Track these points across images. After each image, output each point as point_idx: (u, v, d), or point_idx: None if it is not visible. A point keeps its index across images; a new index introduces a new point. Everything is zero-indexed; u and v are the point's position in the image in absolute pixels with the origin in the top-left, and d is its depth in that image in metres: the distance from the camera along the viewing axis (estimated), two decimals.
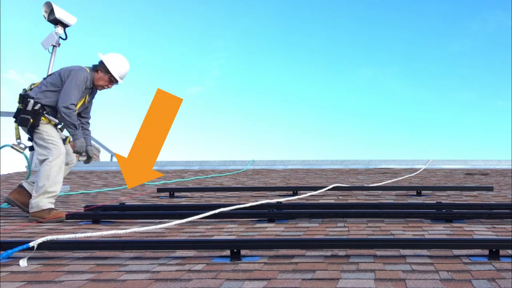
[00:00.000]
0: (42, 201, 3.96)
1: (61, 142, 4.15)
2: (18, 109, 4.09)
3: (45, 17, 7.15)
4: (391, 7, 19.64)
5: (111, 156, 10.11)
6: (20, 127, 4.19)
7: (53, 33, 7.22)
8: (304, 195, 4.99)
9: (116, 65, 4.32)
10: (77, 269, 2.41)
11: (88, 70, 4.29)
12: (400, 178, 6.62)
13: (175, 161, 8.66)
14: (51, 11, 7.03)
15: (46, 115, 4.10)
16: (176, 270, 2.35)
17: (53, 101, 4.12)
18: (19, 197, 4.16)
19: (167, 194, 5.38)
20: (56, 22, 7.12)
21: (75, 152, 4.27)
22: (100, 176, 7.51)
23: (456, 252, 2.58)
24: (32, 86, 4.22)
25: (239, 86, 20.75)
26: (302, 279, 2.15)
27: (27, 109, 4.03)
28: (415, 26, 20.00)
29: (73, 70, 4.20)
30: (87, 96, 4.37)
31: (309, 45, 20.49)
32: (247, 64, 20.65)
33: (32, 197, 4.00)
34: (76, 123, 4.17)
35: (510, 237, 3.02)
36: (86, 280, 2.22)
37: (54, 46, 7.35)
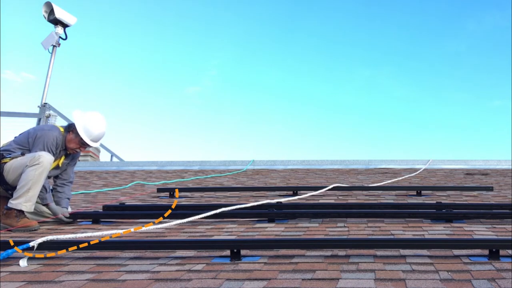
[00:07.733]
0: (21, 204, 3.54)
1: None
2: None
3: (45, 17, 7.16)
4: (388, 7, 19.65)
5: (111, 156, 10.13)
6: None
7: (53, 33, 7.23)
8: (304, 195, 4.99)
9: (88, 127, 3.83)
10: (77, 269, 2.41)
11: (61, 130, 3.88)
12: (400, 178, 6.61)
13: (175, 161, 8.64)
14: (51, 11, 7.03)
15: (7, 156, 3.66)
16: (176, 270, 2.35)
17: None
18: None
19: (167, 194, 5.38)
20: (56, 22, 7.12)
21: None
22: (100, 176, 7.51)
23: (456, 252, 2.58)
24: None
25: (237, 86, 20.80)
26: (302, 279, 2.15)
27: None
28: (412, 26, 20.04)
29: (42, 130, 3.83)
30: (63, 158, 3.93)
31: (307, 45, 20.52)
32: (244, 64, 20.70)
33: (12, 199, 3.59)
34: (47, 186, 3.77)
35: (510, 237, 3.02)
36: (86, 280, 2.21)
37: (54, 46, 7.36)
